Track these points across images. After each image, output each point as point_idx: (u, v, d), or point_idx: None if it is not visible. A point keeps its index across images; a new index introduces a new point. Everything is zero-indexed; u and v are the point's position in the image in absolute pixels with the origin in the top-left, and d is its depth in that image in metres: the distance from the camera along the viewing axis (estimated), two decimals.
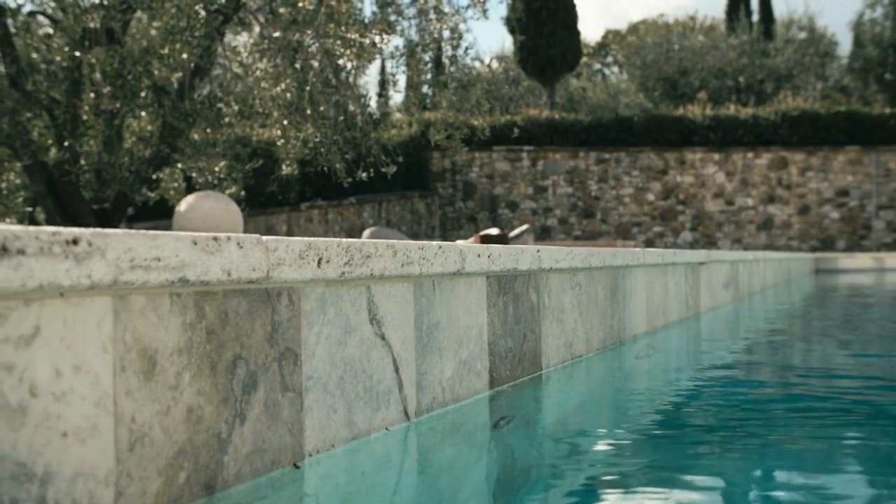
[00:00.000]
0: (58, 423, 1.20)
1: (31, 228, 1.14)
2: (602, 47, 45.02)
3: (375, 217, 21.88)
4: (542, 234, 23.74)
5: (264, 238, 1.59)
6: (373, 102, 8.43)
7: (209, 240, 1.44)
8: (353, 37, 7.00)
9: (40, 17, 8.56)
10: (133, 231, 1.30)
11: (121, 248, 1.26)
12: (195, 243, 1.41)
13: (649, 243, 23.24)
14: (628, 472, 1.87)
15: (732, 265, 7.02)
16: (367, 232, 14.11)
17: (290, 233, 19.05)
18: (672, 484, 1.76)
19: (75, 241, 1.19)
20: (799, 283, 12.34)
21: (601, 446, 2.11)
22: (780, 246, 22.67)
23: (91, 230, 1.23)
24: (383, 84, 25.14)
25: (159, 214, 14.74)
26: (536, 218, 23.82)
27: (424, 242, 2.16)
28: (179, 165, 8.01)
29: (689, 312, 5.40)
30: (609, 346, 3.76)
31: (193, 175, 8.45)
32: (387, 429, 2.02)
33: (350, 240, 1.85)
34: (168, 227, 15.59)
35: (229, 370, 1.54)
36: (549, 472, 1.87)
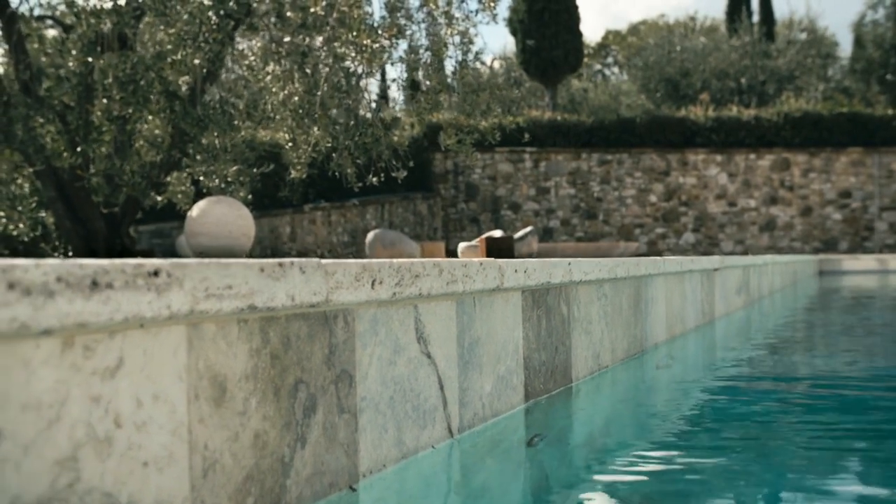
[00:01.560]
0: (139, 452, 1.22)
1: (117, 262, 1.16)
2: (602, 48, 45.06)
3: (378, 219, 21.88)
4: (545, 236, 23.76)
5: (324, 262, 1.60)
6: (373, 104, 8.44)
7: (275, 266, 1.45)
8: (365, 42, 7.01)
9: (49, 21, 8.56)
10: (206, 260, 1.31)
11: (197, 277, 1.28)
12: (262, 270, 1.42)
13: (651, 245, 23.27)
14: (666, 487, 1.88)
15: (744, 270, 7.03)
16: (371, 235, 14.12)
17: (293, 234, 19.05)
18: (710, 500, 1.77)
19: (156, 273, 1.21)
20: (804, 286, 12.36)
21: (637, 463, 2.12)
22: (783, 247, 22.70)
23: (170, 261, 1.24)
24: (384, 88, 25.13)
25: (165, 217, 14.72)
26: (539, 219, 23.84)
27: (466, 260, 2.17)
28: (188, 170, 8.02)
29: (705, 319, 5.42)
30: (632, 355, 3.77)
31: (201, 179, 8.45)
32: (433, 447, 2.04)
33: (400, 260, 1.87)
34: (174, 230, 15.59)
35: (291, 394, 1.56)
36: (590, 490, 1.89)
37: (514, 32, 25.35)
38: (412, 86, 12.08)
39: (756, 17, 30.07)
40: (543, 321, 2.75)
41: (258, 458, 1.46)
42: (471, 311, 2.25)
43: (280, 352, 1.53)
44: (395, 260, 1.85)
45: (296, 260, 1.51)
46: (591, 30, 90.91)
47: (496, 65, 31.14)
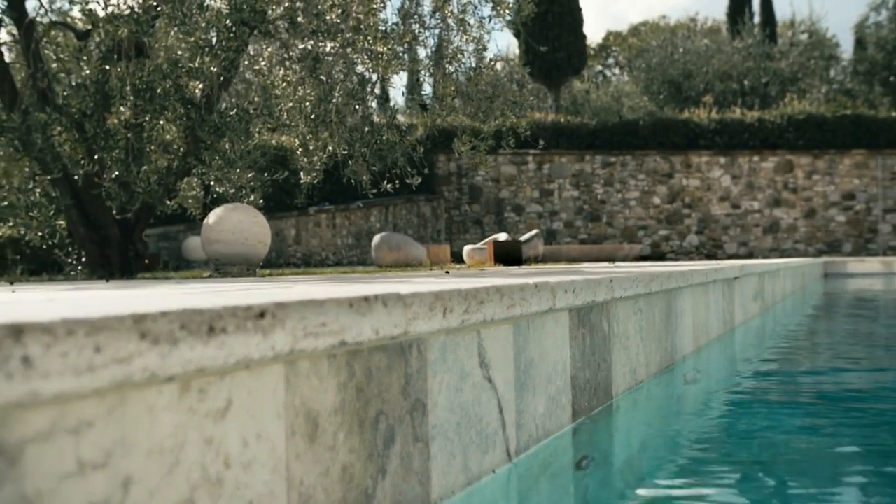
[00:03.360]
0: (245, 491, 1.23)
1: (229, 305, 1.17)
2: (603, 49, 45.08)
3: (382, 221, 21.90)
4: (548, 238, 23.77)
5: (402, 293, 1.62)
6: (374, 104, 8.45)
7: (361, 301, 1.47)
8: (381, 50, 7.02)
9: (60, 27, 8.56)
10: (304, 299, 1.33)
11: (296, 317, 1.29)
12: (351, 306, 1.44)
13: (655, 247, 23.29)
14: None
15: (760, 277, 7.05)
16: (377, 238, 14.15)
17: (298, 237, 19.05)
18: None
19: (262, 315, 1.22)
20: (813, 290, 12.38)
21: (687, 484, 2.14)
22: (787, 249, 22.72)
23: (272, 302, 1.26)
24: (385, 93, 25.11)
25: (171, 220, 14.72)
26: (542, 221, 23.85)
27: (522, 283, 2.19)
28: (204, 177, 8.03)
29: (726, 328, 5.44)
30: (664, 368, 3.79)
31: (212, 184, 8.47)
32: (494, 471, 2.05)
33: (467, 287, 1.88)
34: (180, 233, 15.59)
35: (373, 426, 1.58)
36: None
37: (517, 34, 25.36)
38: (417, 91, 12.06)
39: (757, 19, 30.12)
40: (588, 339, 2.77)
41: (345, 492, 1.47)
42: (525, 333, 2.27)
43: (364, 384, 1.55)
44: (461, 287, 1.87)
45: (378, 293, 1.53)
46: (592, 30, 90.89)
47: (498, 66, 31.14)
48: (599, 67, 44.16)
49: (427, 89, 11.95)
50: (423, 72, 8.39)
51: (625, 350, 3.17)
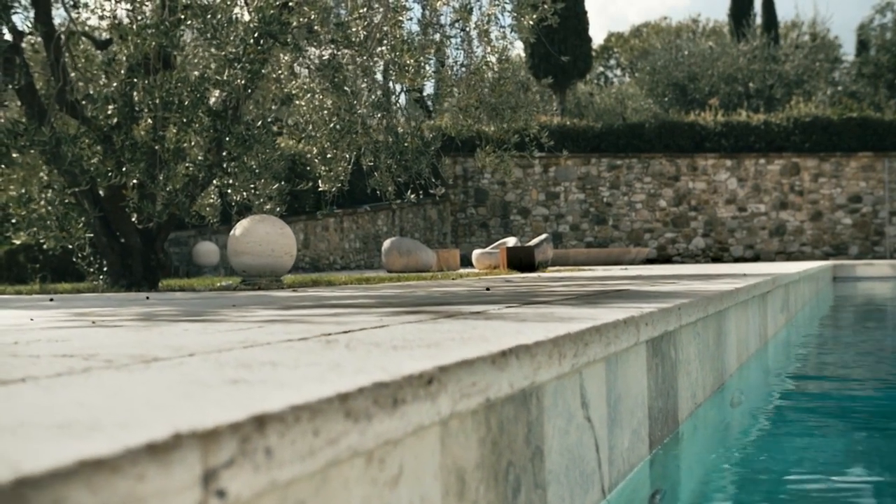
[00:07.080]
0: None
1: (405, 373, 1.19)
2: (605, 50, 45.09)
3: (389, 224, 21.91)
4: (554, 241, 23.79)
5: (529, 345, 1.63)
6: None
7: (500, 357, 1.49)
8: (409, 62, 7.04)
9: (83, 38, 8.57)
10: (459, 360, 1.35)
11: (454, 379, 1.31)
12: (493, 363, 1.46)
13: (661, 249, 23.33)
14: None
15: (786, 288, 7.08)
16: (387, 243, 14.17)
17: (307, 241, 19.05)
18: None
19: (430, 382, 1.24)
20: (827, 295, 12.41)
21: None
22: (793, 252, 22.76)
23: (434, 366, 1.28)
24: (387, 97, 25.13)
25: (182, 225, 14.72)
26: (548, 224, 23.88)
27: (613, 319, 2.20)
28: (230, 190, 8.04)
29: (761, 342, 5.47)
30: (716, 390, 3.81)
31: (229, 192, 8.48)
32: None
33: (575, 330, 1.90)
34: (191, 238, 15.60)
35: (504, 477, 1.60)
36: None
37: (523, 38, 25.41)
38: (420, 99, 12.07)
39: (759, 20, 30.15)
40: (660, 368, 2.79)
41: None
42: (615, 369, 2.29)
43: (497, 437, 1.57)
44: (571, 330, 1.89)
45: (512, 347, 1.55)
46: (592, 32, 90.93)
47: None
48: (601, 69, 44.19)
49: (429, 92, 11.97)
50: (444, 82, 8.41)
51: (687, 375, 3.20)
